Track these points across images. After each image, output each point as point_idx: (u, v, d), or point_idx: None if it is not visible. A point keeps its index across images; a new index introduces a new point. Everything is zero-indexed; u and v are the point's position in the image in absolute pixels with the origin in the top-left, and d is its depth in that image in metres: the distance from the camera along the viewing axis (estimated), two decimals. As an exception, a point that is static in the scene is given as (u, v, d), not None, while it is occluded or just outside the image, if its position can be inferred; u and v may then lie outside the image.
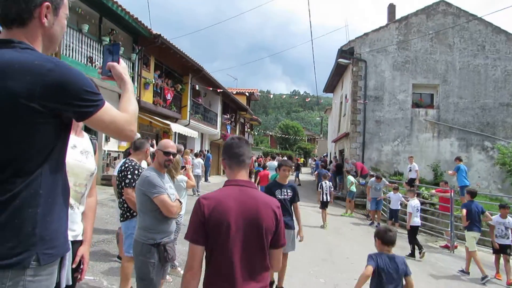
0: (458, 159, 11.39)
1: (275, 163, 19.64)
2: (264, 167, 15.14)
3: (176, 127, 16.32)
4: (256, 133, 53.34)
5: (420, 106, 17.60)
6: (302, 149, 56.87)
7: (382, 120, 17.65)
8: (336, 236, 10.04)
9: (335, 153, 24.74)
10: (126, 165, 4.03)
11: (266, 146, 57.35)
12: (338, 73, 21.97)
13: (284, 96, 68.07)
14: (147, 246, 3.12)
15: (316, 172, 21.47)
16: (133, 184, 3.81)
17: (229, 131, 26.90)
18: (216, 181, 20.64)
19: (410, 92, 17.53)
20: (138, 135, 7.41)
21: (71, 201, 2.03)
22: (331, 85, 25.59)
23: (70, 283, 2.05)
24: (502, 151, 14.48)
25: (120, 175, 4.02)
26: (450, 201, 9.86)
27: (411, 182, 12.90)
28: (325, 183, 11.27)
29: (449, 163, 15.47)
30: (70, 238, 2.01)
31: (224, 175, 24.26)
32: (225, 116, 26.85)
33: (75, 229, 2.07)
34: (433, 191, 11.54)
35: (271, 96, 71.95)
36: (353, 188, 13.53)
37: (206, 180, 17.68)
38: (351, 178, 13.69)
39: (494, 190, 16.07)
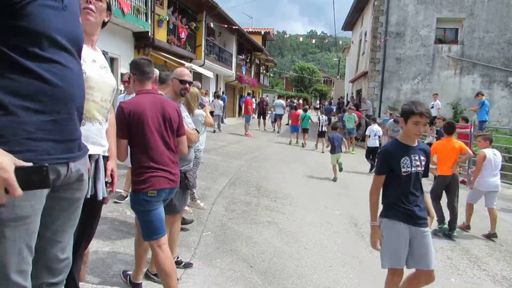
0: (481, 93, 11.04)
1: (282, 101, 20.04)
2: (296, 108, 17.70)
3: (191, 67, 16.13)
4: (272, 75, 52.47)
5: (444, 42, 16.84)
6: (318, 91, 56.09)
7: (402, 57, 17.04)
8: (349, 173, 10.21)
9: (352, 93, 24.32)
10: None
11: (281, 89, 56.69)
12: (358, 8, 20.94)
13: (301, 37, 65.47)
14: None
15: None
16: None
17: (244, 72, 26.50)
18: (232, 123, 20.79)
19: (434, 27, 16.69)
20: (157, 71, 7.42)
21: (99, 117, 2.07)
22: (351, 22, 24.51)
23: (106, 195, 2.18)
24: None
25: None
26: (470, 136, 9.75)
27: (432, 119, 12.70)
28: (322, 116, 14.39)
29: (470, 101, 15.08)
30: (100, 152, 2.09)
31: (240, 117, 24.45)
32: (240, 56, 26.29)
33: (104, 144, 2.13)
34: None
35: (287, 36, 69.63)
36: (349, 125, 14.24)
37: (222, 121, 17.78)
38: (349, 116, 14.22)
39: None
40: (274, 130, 19.17)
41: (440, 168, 5.59)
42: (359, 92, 21.70)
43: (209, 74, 18.08)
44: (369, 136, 10.82)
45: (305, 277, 3.75)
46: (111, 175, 2.20)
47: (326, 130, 13.85)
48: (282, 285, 3.61)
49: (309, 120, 14.69)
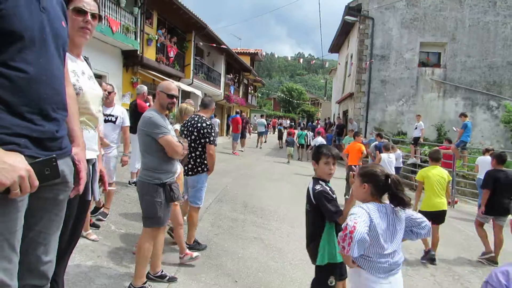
0: (464, 115, 11.28)
1: (263, 120, 23.88)
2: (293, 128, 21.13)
3: (179, 86, 16.23)
4: (260, 95, 52.98)
5: (427, 65, 17.35)
6: (305, 111, 56.70)
7: (387, 79, 17.46)
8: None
9: (338, 114, 24.68)
10: (208, 122, 4.37)
11: (269, 109, 57.18)
12: (344, 31, 21.48)
13: (289, 58, 66.59)
14: (154, 186, 3.20)
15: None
16: (216, 142, 4.45)
17: (232, 91, 26.73)
18: (219, 141, 20.81)
19: (418, 51, 17.22)
20: (145, 88, 7.47)
21: (93, 125, 2.19)
22: (337, 45, 25.09)
23: (97, 198, 2.24)
24: (508, 108, 14.39)
25: (202, 131, 4.33)
26: (453, 157, 9.95)
27: (415, 140, 12.96)
28: (309, 133, 18.26)
29: (453, 123, 15.43)
30: (95, 156, 2.18)
31: (227, 136, 24.73)
32: (229, 76, 26.58)
33: (97, 149, 2.24)
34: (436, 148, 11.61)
35: (276, 57, 70.83)
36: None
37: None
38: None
39: (497, 149, 16.08)
40: (256, 146, 21.17)
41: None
42: (345, 112, 22.03)
43: (198, 92, 18.20)
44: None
45: (290, 292, 3.73)
46: (101, 175, 2.28)
47: (310, 143, 17.08)
48: (267, 299, 3.59)
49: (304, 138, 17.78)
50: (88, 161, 2.04)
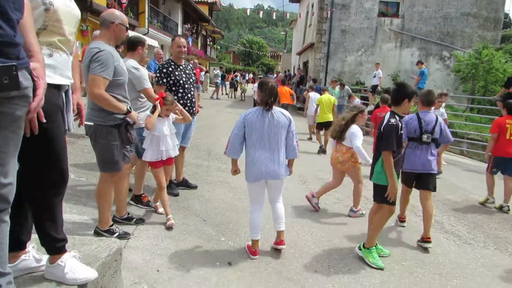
0: (420, 62, 11.58)
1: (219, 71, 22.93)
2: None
3: (133, 35, 15.33)
4: (219, 48, 51.51)
5: (386, 15, 17.46)
6: (265, 65, 56.11)
7: (347, 29, 17.47)
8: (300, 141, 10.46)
9: (299, 65, 24.64)
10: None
11: (229, 63, 55.99)
12: (304, -21, 20.92)
13: (248, 10, 64.47)
14: (108, 128, 2.97)
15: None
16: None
17: (190, 43, 25.70)
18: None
19: (377, 0, 17.21)
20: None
21: (66, 49, 1.94)
22: (297, -6, 24.52)
23: (74, 128, 2.08)
24: (459, 58, 14.99)
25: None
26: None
27: (374, 88, 13.27)
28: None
29: (408, 73, 15.91)
30: (69, 84, 1.97)
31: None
32: (186, 26, 25.42)
33: (71, 76, 2.01)
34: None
35: (235, 8, 68.28)
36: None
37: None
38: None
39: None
40: (212, 97, 21.06)
41: None
42: (306, 64, 22.02)
43: (154, 43, 17.34)
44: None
45: (258, 228, 3.82)
46: (78, 108, 2.15)
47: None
48: (235, 234, 3.67)
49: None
50: (60, 87, 1.87)
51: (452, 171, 7.63)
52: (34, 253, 1.94)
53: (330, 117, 8.43)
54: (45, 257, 1.92)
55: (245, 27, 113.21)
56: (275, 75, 35.67)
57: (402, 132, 3.23)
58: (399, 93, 3.31)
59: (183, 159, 4.85)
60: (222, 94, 23.93)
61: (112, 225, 3.27)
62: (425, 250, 3.68)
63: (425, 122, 3.81)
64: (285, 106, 9.81)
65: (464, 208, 5.23)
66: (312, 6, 20.26)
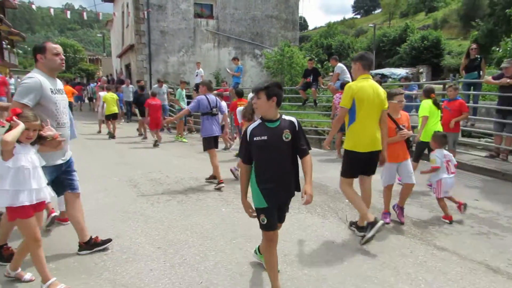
0: (236, 59, 12.48)
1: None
2: None
3: None
4: (21, 52, 44.51)
5: (202, 17, 18.21)
6: (83, 70, 51.36)
7: (166, 30, 17.51)
8: (129, 144, 10.04)
9: (121, 68, 23.43)
10: None
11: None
12: (115, -23, 19.93)
13: (52, 9, 57.55)
14: None
15: None
16: None
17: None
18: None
19: (192, 2, 17.78)
20: None
21: None
22: (110, -7, 23.19)
23: None
24: (267, 56, 16.89)
25: None
26: (229, 98, 11.06)
27: (197, 87, 13.64)
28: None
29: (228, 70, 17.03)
30: None
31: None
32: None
33: None
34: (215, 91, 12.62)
35: (34, 7, 60.02)
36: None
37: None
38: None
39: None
40: None
41: None
42: (128, 66, 21.10)
43: None
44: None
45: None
46: None
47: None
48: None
49: None
50: None
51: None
52: None
53: (116, 110, 10.97)
54: None
55: (54, 29, 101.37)
56: (97, 80, 33.07)
57: None
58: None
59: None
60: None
61: None
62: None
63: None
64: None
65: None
66: (127, 6, 19.49)
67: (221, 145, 8.60)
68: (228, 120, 7.58)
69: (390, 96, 3.96)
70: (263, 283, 2.84)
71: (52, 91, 2.99)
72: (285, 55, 16.42)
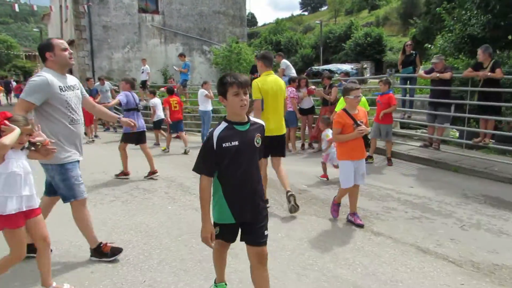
0: (183, 55, 12.30)
1: None
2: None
3: None
4: None
5: (146, 11, 17.71)
6: (19, 68, 47.95)
7: (109, 25, 16.84)
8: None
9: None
10: None
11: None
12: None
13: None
14: None
15: None
16: None
17: None
18: None
19: (135, -4, 17.23)
20: None
21: None
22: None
23: None
24: (215, 52, 16.82)
25: None
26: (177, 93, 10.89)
27: (143, 84, 13.31)
28: None
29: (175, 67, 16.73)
30: None
31: None
32: None
33: None
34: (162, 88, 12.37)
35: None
36: None
37: None
38: None
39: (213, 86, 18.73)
40: None
41: None
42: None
43: None
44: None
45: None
46: None
47: None
48: None
49: None
50: None
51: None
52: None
53: None
54: None
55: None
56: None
57: None
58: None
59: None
60: None
61: None
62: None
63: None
64: None
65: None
66: (65, -1, 18.48)
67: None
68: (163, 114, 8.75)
69: (346, 92, 3.83)
70: (208, 278, 2.87)
71: (61, 89, 2.93)
72: (233, 51, 16.42)
